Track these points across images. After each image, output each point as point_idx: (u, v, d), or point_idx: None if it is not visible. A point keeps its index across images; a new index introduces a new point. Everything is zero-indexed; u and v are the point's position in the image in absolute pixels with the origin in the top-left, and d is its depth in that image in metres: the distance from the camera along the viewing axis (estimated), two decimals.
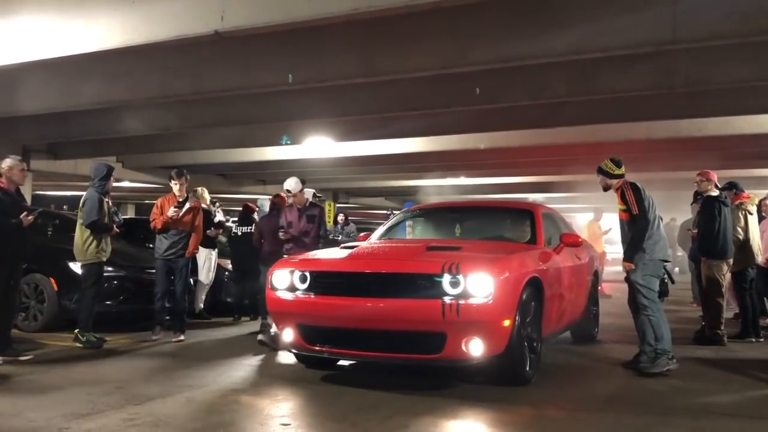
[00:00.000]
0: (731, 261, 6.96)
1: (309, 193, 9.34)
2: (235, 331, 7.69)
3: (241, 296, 8.64)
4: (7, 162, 5.79)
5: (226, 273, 8.85)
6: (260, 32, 5.52)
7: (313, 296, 4.76)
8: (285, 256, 6.23)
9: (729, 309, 7.59)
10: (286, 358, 5.71)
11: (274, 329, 5.87)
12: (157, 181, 16.58)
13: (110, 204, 6.80)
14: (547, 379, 4.97)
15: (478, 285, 4.32)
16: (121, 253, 7.39)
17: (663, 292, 5.66)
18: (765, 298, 7.84)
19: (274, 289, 4.95)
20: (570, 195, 22.13)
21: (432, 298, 4.35)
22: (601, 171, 5.63)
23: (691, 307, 9.74)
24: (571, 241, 5.66)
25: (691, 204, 7.58)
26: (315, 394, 4.66)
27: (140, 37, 5.75)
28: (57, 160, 14.12)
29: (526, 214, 6.01)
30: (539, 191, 21.60)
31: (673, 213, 14.00)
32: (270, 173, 18.11)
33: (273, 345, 6.10)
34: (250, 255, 7.55)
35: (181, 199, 6.94)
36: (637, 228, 5.34)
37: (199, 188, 8.80)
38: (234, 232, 9.10)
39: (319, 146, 12.59)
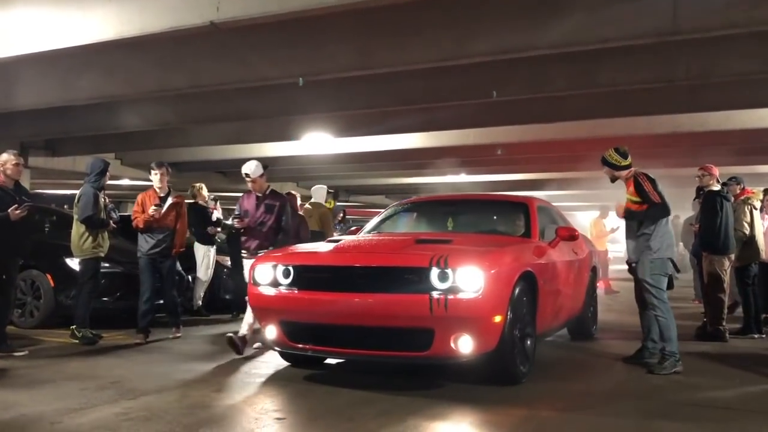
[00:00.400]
0: (732, 256, 6.91)
1: (322, 191, 9.24)
2: (233, 327, 7.52)
3: (239, 293, 8.57)
4: (2, 157, 5.74)
5: (225, 270, 8.80)
6: (256, 23, 5.45)
7: (296, 291, 4.59)
8: (243, 251, 6.08)
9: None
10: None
11: (243, 330, 5.63)
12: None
13: (107, 200, 6.75)
14: (541, 376, 4.84)
15: (468, 279, 4.16)
16: (118, 250, 7.34)
17: (668, 286, 5.56)
18: None
19: (256, 284, 4.79)
20: (571, 193, 22.09)
21: (419, 292, 4.20)
22: (606, 163, 5.44)
23: (693, 304, 9.69)
24: (567, 234, 5.43)
25: (694, 200, 7.52)
26: (309, 389, 4.60)
27: (135, 29, 5.68)
28: (55, 156, 14.08)
29: (521, 207, 5.88)
30: (540, 189, 21.51)
31: (676, 210, 13.93)
32: (269, 170, 18.04)
33: (241, 346, 5.59)
34: None
35: (162, 194, 6.67)
36: (656, 214, 5.16)
37: (197, 184, 8.77)
38: (233, 230, 9.04)
39: (318, 143, 12.54)
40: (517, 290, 4.47)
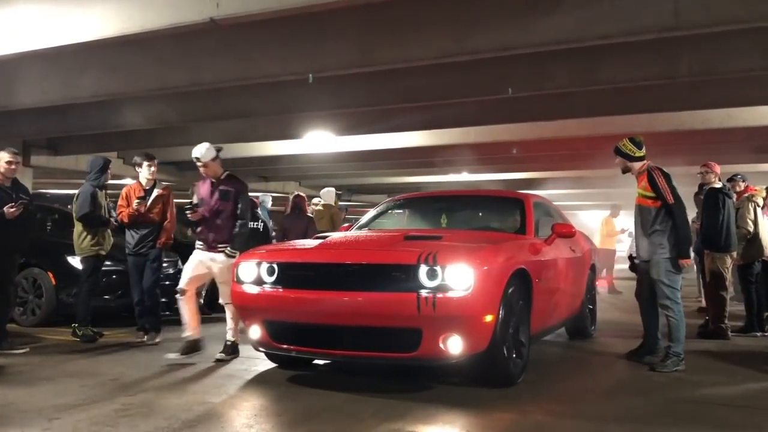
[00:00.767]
0: (735, 254, 6.89)
1: (332, 193, 9.12)
2: None
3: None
4: None
5: None
6: (256, 20, 5.45)
7: (281, 290, 4.45)
8: (199, 244, 5.52)
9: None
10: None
11: (230, 336, 5.43)
12: (158, 178, 16.50)
13: (108, 198, 6.74)
14: (536, 378, 4.72)
15: (457, 277, 4.00)
16: (120, 248, 7.33)
17: None
18: None
19: (239, 282, 4.64)
20: (574, 192, 22.04)
21: (407, 291, 4.04)
22: (620, 152, 5.34)
23: (695, 302, 9.67)
24: (563, 231, 5.25)
25: (695, 195, 7.50)
26: (307, 388, 4.56)
27: (135, 26, 5.67)
28: (57, 155, 14.06)
29: (516, 203, 5.74)
30: (543, 188, 21.46)
31: None
32: (271, 169, 18.00)
33: (186, 350, 5.33)
34: None
35: (147, 188, 6.47)
36: (676, 218, 5.07)
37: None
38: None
39: (319, 141, 12.52)
40: (510, 288, 4.32)
